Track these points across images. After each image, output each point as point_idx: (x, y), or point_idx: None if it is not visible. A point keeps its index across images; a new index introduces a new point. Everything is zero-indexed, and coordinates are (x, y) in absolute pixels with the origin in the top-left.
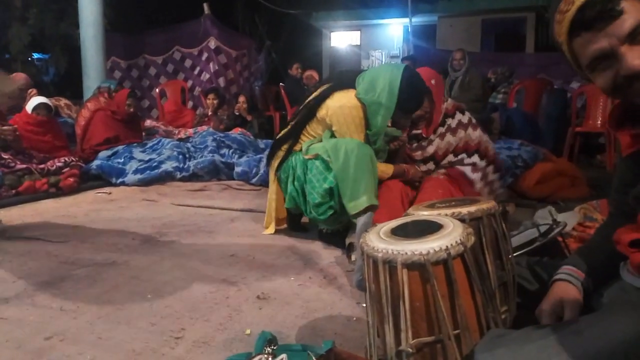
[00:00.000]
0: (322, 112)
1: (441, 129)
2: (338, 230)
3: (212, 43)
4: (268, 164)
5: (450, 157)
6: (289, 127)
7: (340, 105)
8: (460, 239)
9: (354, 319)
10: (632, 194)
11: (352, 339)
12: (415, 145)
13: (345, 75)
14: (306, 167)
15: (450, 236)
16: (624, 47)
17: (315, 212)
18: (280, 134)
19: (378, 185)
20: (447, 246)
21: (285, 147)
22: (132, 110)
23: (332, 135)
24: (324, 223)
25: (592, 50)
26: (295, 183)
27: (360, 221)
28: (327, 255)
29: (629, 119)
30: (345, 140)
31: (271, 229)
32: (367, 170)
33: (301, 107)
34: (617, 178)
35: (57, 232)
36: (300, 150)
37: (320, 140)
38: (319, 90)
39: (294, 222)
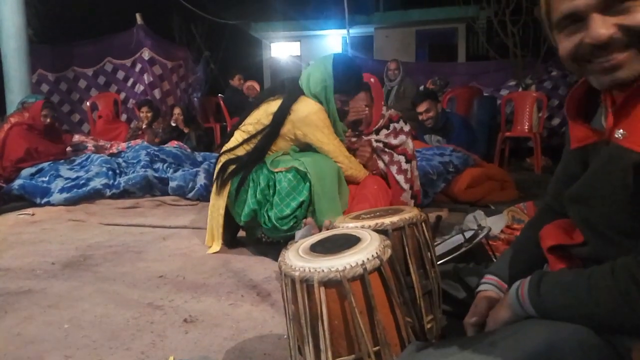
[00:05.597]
0: (286, 129)
1: (385, 131)
2: (278, 241)
3: (146, 54)
4: (224, 182)
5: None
6: (245, 155)
7: (305, 115)
8: (376, 253)
9: (285, 337)
10: (566, 194)
11: (281, 358)
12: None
13: (289, 85)
14: (273, 180)
15: (366, 250)
16: (596, 14)
17: (279, 224)
18: (231, 157)
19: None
20: (363, 261)
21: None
22: (48, 120)
23: (300, 150)
24: (283, 232)
25: (567, 6)
26: (259, 196)
27: (298, 234)
28: (262, 270)
29: (582, 111)
30: (319, 156)
31: (216, 247)
32: (337, 187)
33: (256, 133)
34: (561, 168)
35: None
36: (263, 164)
37: (286, 153)
38: (267, 107)
39: (230, 238)
